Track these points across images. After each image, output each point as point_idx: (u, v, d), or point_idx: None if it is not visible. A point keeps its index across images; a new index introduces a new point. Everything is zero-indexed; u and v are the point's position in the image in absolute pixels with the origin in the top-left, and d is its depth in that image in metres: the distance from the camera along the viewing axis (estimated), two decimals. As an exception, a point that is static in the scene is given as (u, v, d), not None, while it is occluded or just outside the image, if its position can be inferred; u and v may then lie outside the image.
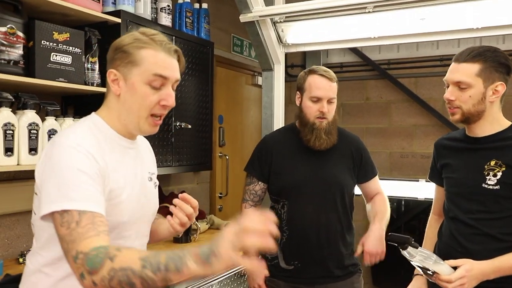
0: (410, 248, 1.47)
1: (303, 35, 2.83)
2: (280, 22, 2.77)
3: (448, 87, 1.60)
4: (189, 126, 2.76)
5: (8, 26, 1.80)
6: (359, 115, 4.39)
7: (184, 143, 2.78)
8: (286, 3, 2.92)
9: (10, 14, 1.84)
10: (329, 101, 1.94)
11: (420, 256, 1.48)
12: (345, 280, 1.99)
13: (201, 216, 2.96)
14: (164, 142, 2.62)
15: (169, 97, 1.21)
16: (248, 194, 2.08)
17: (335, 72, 4.56)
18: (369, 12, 2.48)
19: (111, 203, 1.15)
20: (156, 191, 1.40)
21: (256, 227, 0.92)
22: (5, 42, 1.80)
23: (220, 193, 3.65)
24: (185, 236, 2.51)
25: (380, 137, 4.30)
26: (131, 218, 1.22)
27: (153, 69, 1.18)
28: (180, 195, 1.33)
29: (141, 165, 1.32)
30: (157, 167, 2.49)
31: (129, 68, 1.19)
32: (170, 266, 0.95)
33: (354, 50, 4.30)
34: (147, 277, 0.96)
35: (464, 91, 1.54)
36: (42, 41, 1.92)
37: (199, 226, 2.64)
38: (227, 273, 2.40)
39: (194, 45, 2.85)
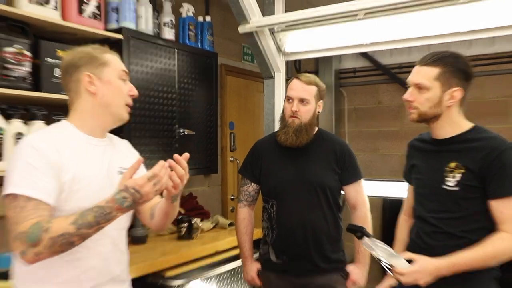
0: (366, 239, 1.53)
1: (299, 43, 2.88)
2: (278, 31, 2.85)
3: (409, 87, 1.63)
4: (193, 133, 2.87)
5: (16, 46, 1.98)
6: (372, 119, 4.40)
7: (188, 148, 2.87)
8: (286, 12, 2.99)
9: (18, 35, 2.00)
10: (301, 102, 2.01)
11: (379, 250, 1.52)
12: (330, 274, 2.03)
13: (205, 216, 3.05)
14: (168, 147, 2.74)
15: (133, 88, 1.46)
16: (242, 195, 2.18)
17: (347, 78, 4.64)
18: (359, 19, 2.54)
19: (71, 189, 1.29)
20: None
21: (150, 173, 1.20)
22: (13, 61, 1.97)
23: (232, 195, 3.74)
24: (188, 235, 2.63)
25: (392, 140, 4.29)
26: (92, 204, 1.27)
27: (120, 66, 1.44)
28: (175, 156, 1.36)
29: (109, 160, 1.44)
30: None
31: (101, 69, 1.38)
32: (100, 222, 1.19)
33: (366, 55, 4.31)
34: (83, 233, 1.19)
35: (422, 93, 1.57)
36: (47, 59, 2.09)
37: (200, 225, 2.75)
38: (224, 269, 2.50)
39: (197, 56, 2.97)
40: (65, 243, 1.17)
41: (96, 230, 1.21)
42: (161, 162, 1.23)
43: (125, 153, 1.55)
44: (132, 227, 2.49)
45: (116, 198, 1.19)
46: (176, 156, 1.30)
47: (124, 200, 1.19)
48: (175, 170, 1.29)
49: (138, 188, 1.18)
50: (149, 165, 2.50)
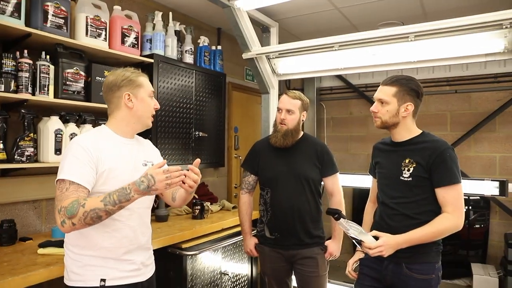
0: (342, 220, 1.52)
1: (289, 67, 2.94)
2: (273, 58, 2.91)
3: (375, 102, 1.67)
4: (206, 135, 2.88)
5: (74, 68, 2.05)
6: (345, 126, 4.44)
7: (202, 147, 2.89)
8: (279, 43, 3.07)
9: (76, 60, 2.07)
10: (288, 112, 2.02)
11: (352, 229, 1.51)
12: (312, 247, 2.02)
13: (214, 200, 3.05)
14: (186, 146, 2.75)
15: (157, 103, 1.50)
16: (244, 184, 2.16)
17: (326, 94, 4.72)
18: (335, 50, 2.61)
19: (107, 176, 1.33)
20: None
21: (169, 170, 1.22)
22: (72, 79, 2.04)
23: (235, 184, 3.71)
24: (200, 215, 2.61)
25: (360, 142, 4.33)
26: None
27: (150, 87, 1.47)
28: (189, 166, 1.35)
29: (136, 155, 1.47)
30: (180, 164, 2.76)
31: (137, 89, 1.43)
32: (122, 200, 1.22)
33: (340, 77, 4.35)
34: (109, 210, 1.21)
35: (383, 106, 1.61)
36: (96, 77, 2.14)
37: (210, 207, 2.73)
38: (229, 242, 2.49)
39: (210, 76, 2.98)
40: (94, 217, 1.19)
41: (118, 208, 1.22)
42: (177, 167, 1.26)
43: (148, 149, 1.57)
44: (156, 208, 2.53)
45: (136, 181, 1.22)
46: (190, 166, 1.32)
47: (141, 183, 1.21)
48: (189, 176, 1.30)
49: (154, 175, 1.21)
50: (172, 159, 2.65)
